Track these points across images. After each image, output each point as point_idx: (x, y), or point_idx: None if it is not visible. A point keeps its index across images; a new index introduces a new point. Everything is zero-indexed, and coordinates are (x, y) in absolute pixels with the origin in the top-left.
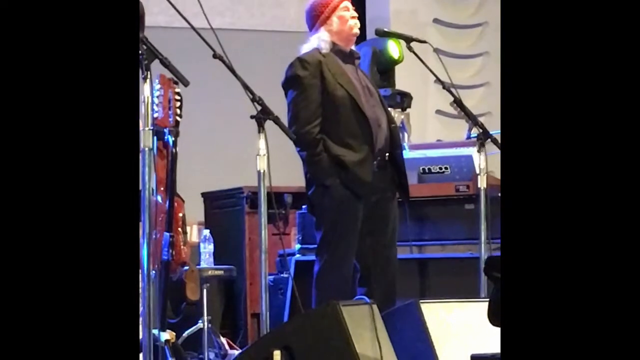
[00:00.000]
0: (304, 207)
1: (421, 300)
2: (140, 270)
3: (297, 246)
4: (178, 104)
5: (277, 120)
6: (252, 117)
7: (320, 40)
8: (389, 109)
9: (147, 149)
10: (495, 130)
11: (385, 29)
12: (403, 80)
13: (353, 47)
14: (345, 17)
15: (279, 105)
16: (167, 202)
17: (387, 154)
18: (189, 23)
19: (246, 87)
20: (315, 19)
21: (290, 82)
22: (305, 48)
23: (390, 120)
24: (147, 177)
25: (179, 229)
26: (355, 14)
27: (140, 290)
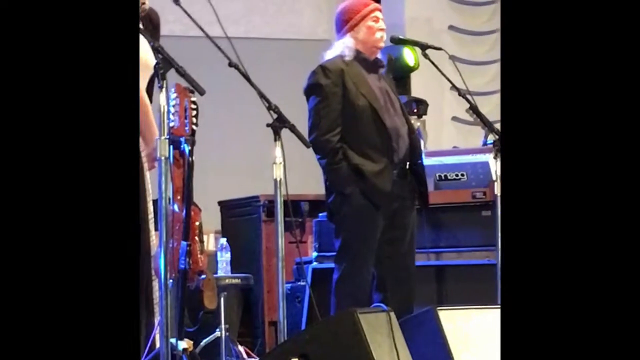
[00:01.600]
0: (320, 215)
1: (438, 307)
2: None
3: (314, 254)
4: (194, 112)
5: (293, 129)
6: (268, 125)
7: (344, 46)
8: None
9: (163, 158)
10: None
11: (401, 37)
12: (419, 87)
13: (378, 56)
14: (373, 28)
15: (295, 113)
16: (184, 211)
17: (407, 164)
18: (204, 32)
19: (262, 96)
20: (344, 24)
21: (312, 90)
22: (329, 54)
23: (411, 130)
24: (163, 186)
25: (196, 238)
26: (384, 26)
27: (157, 300)
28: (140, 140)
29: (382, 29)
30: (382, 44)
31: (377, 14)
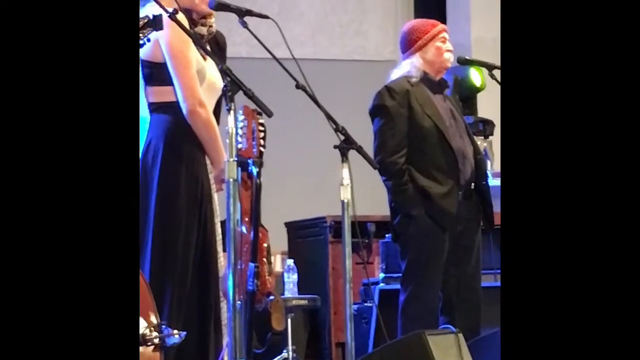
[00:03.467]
0: (387, 236)
1: None
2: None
3: (381, 275)
4: (262, 134)
5: (360, 150)
6: (335, 146)
7: (412, 66)
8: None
9: (231, 180)
10: None
11: (467, 57)
12: (485, 107)
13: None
14: (442, 49)
15: (362, 134)
16: (252, 233)
17: (472, 184)
18: (271, 53)
19: (329, 117)
20: (412, 43)
21: (378, 111)
22: (396, 73)
23: (477, 151)
24: (232, 208)
25: (264, 259)
26: (451, 48)
27: (226, 321)
28: (208, 162)
29: (450, 50)
30: (449, 65)
31: (445, 34)
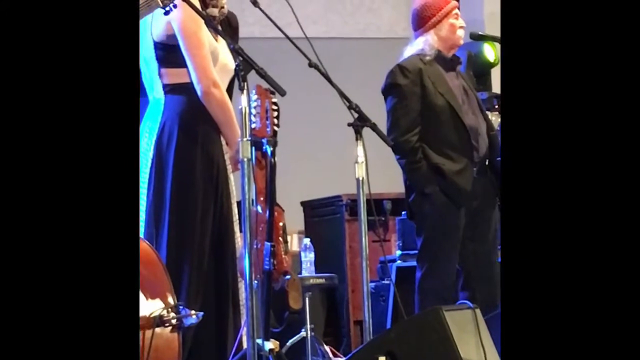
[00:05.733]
0: (403, 213)
1: None
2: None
3: (398, 252)
4: (275, 113)
5: (374, 127)
6: (349, 124)
7: (426, 44)
8: (486, 112)
9: (245, 159)
10: None
11: (481, 33)
12: (499, 83)
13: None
14: (455, 26)
15: (376, 111)
16: (267, 212)
17: (486, 161)
18: (283, 33)
19: (342, 95)
20: (426, 20)
21: (390, 90)
22: (409, 51)
23: (490, 127)
24: (246, 188)
25: (280, 239)
26: (463, 24)
27: (243, 301)
28: (224, 143)
29: (462, 27)
30: (461, 42)
31: (457, 10)
